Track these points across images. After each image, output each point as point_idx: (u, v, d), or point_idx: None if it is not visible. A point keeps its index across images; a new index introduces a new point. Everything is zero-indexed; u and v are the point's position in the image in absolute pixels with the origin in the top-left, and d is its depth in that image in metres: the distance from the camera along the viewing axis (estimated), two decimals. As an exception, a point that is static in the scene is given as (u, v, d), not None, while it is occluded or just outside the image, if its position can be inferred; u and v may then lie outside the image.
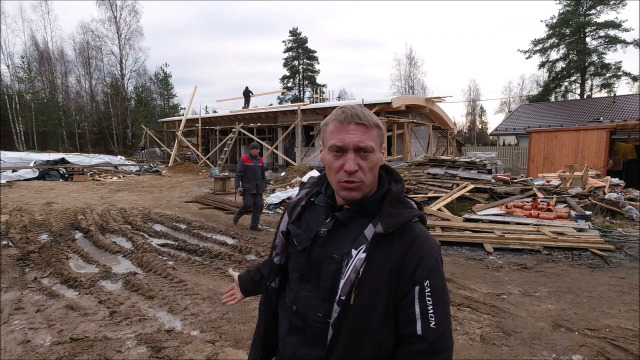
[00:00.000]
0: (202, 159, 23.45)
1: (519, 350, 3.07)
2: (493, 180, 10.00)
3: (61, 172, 16.87)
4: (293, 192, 10.60)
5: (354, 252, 0.98)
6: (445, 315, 0.98)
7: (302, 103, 27.54)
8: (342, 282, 0.97)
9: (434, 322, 0.95)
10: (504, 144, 31.45)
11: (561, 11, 33.66)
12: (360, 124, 0.99)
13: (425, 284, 0.97)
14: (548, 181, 10.37)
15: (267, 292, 1.19)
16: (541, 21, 43.12)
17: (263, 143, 20.69)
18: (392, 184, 1.08)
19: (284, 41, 54.91)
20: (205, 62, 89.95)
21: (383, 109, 16.98)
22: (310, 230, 1.10)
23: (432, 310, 0.96)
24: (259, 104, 27.38)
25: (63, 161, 17.89)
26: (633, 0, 31.46)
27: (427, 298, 0.96)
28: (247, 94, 26.05)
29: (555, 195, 8.73)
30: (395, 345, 1.01)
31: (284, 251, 1.17)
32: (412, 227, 1.01)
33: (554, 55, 35.30)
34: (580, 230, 6.60)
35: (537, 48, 35.29)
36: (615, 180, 10.53)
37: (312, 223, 1.11)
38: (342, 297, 0.96)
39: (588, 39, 33.20)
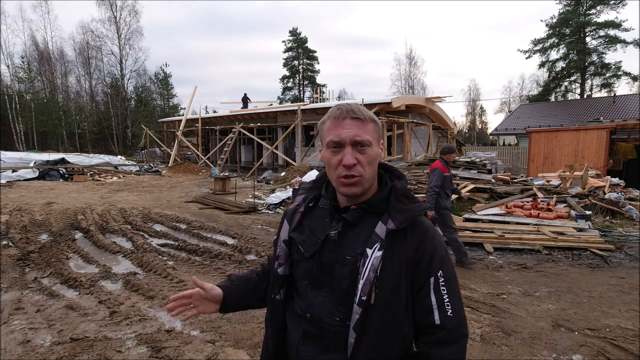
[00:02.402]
0: (202, 159, 23.44)
1: (519, 350, 3.07)
2: (493, 180, 10.00)
3: (61, 172, 16.87)
4: (293, 192, 10.59)
5: (368, 251, 0.97)
6: (460, 302, 1.02)
7: (302, 103, 27.58)
8: (361, 282, 0.96)
9: (450, 311, 0.99)
10: (504, 144, 31.45)
11: (561, 11, 33.64)
12: (355, 118, 1.00)
13: (439, 274, 1.00)
14: (548, 181, 10.36)
15: (273, 305, 1.15)
16: (541, 21, 43.11)
17: (263, 143, 20.70)
18: (394, 180, 1.09)
19: (283, 41, 54.98)
20: (205, 61, 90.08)
21: (383, 108, 16.98)
22: (315, 236, 1.07)
23: (447, 299, 1.00)
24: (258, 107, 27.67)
25: (63, 161, 17.89)
26: (633, 0, 31.46)
27: (442, 288, 1.00)
28: (245, 100, 27.02)
29: (555, 195, 8.73)
30: (414, 336, 1.03)
31: (287, 261, 1.13)
32: (421, 221, 1.04)
33: (554, 55, 35.32)
34: (580, 230, 6.60)
35: (537, 48, 35.29)
36: (615, 180, 10.52)
37: (315, 228, 1.09)
38: (362, 298, 0.95)
39: (588, 39, 33.19)
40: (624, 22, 30.99)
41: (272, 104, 29.67)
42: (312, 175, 11.86)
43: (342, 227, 1.04)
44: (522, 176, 13.35)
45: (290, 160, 19.23)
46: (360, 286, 0.96)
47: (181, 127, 24.71)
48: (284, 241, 1.13)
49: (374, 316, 0.96)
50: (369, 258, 0.96)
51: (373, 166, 1.03)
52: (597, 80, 34.64)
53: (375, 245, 0.97)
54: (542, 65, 36.33)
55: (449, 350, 0.99)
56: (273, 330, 1.14)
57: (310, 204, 1.15)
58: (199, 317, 3.57)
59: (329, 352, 1.02)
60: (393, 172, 1.12)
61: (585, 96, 33.79)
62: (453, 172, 10.25)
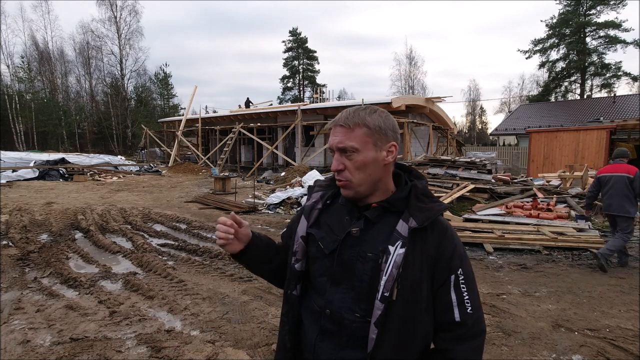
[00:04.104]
0: (202, 159, 23.45)
1: (519, 350, 3.07)
2: (493, 180, 10.00)
3: (61, 172, 16.86)
4: (293, 192, 10.59)
5: (391, 248, 0.99)
6: (478, 299, 1.06)
7: (302, 103, 27.60)
8: (384, 278, 0.98)
9: (470, 308, 1.02)
10: (504, 144, 31.46)
11: (561, 11, 33.65)
12: (341, 125, 1.05)
13: (459, 272, 1.03)
14: (548, 181, 10.37)
15: (290, 300, 1.15)
16: (541, 21, 43.11)
17: (263, 143, 20.70)
18: (413, 180, 1.11)
19: (283, 41, 54.97)
20: (205, 61, 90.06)
21: (383, 109, 16.98)
22: (333, 232, 1.09)
23: (467, 296, 1.03)
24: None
25: (63, 161, 17.88)
26: (633, 0, 31.47)
27: (462, 285, 1.03)
28: (247, 104, 27.96)
29: (555, 195, 8.73)
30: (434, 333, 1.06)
31: (304, 257, 1.14)
32: (440, 220, 1.07)
33: (554, 55, 35.34)
34: (580, 230, 6.59)
35: (537, 48, 35.30)
36: (615, 180, 10.50)
37: (333, 225, 1.11)
38: (385, 294, 0.97)
39: (588, 39, 33.20)
40: (624, 22, 31.05)
41: (271, 104, 29.75)
42: (312, 175, 11.85)
43: (363, 224, 1.06)
44: (522, 176, 13.35)
45: (290, 160, 19.23)
46: (383, 282, 0.97)
47: (181, 127, 24.72)
48: (302, 237, 1.14)
49: (395, 312, 0.98)
50: (391, 255, 0.98)
51: (365, 171, 1.04)
52: (597, 81, 34.69)
53: (398, 243, 0.99)
54: (542, 65, 36.37)
55: (468, 346, 1.01)
56: (289, 326, 1.14)
57: (328, 202, 1.17)
58: (198, 317, 3.57)
59: (348, 349, 1.03)
60: (412, 172, 1.15)
61: (585, 96, 33.80)
62: (453, 172, 10.26)
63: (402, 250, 0.98)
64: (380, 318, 0.97)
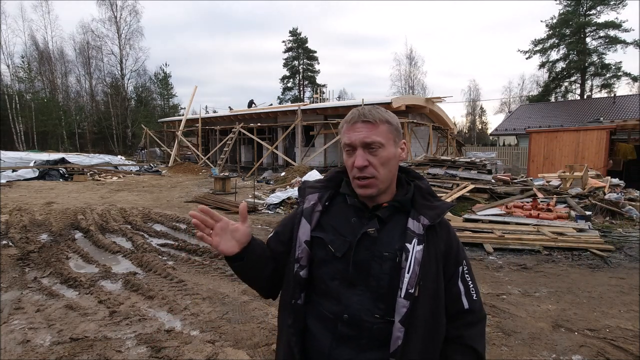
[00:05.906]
0: (202, 159, 23.44)
1: (519, 351, 3.07)
2: (493, 181, 10.00)
3: (61, 172, 16.86)
4: (293, 192, 10.59)
5: (409, 246, 1.01)
6: (478, 287, 1.15)
7: (302, 103, 27.61)
8: (407, 276, 0.99)
9: (475, 295, 1.11)
10: (504, 144, 31.44)
11: (561, 11, 33.64)
12: (365, 121, 1.04)
13: (464, 263, 1.12)
14: (548, 181, 10.36)
15: (295, 310, 1.09)
16: (541, 21, 43.05)
17: (263, 143, 20.70)
18: (414, 181, 1.14)
19: (283, 41, 54.93)
20: (205, 61, 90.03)
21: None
22: (341, 234, 1.06)
23: (471, 285, 1.11)
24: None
25: (63, 161, 17.88)
26: (633, 0, 31.45)
27: (466, 275, 1.11)
28: (250, 105, 28.25)
29: (555, 196, 8.72)
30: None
31: (308, 263, 1.09)
32: (443, 217, 1.11)
33: (554, 55, 35.31)
34: (580, 230, 6.59)
35: (537, 48, 35.28)
36: (615, 180, 10.53)
37: (340, 226, 1.08)
38: (409, 291, 0.98)
39: (588, 39, 33.19)
40: (624, 22, 31.02)
41: (271, 104, 29.77)
42: (312, 175, 11.85)
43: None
44: (522, 176, 13.33)
45: (290, 161, 19.23)
46: (406, 280, 0.99)
47: (181, 127, 24.71)
48: (306, 242, 1.09)
49: (419, 308, 1.00)
50: (411, 252, 1.00)
51: (388, 167, 1.05)
52: (597, 81, 34.68)
53: (414, 240, 1.01)
54: (542, 65, 36.34)
55: (476, 330, 1.10)
56: (296, 337, 1.08)
57: (327, 203, 1.14)
58: (198, 317, 3.57)
59: (368, 351, 1.01)
60: (409, 173, 1.17)
61: (585, 97, 33.78)
62: (453, 172, 10.26)
63: (420, 247, 1.01)
64: (407, 315, 0.98)
